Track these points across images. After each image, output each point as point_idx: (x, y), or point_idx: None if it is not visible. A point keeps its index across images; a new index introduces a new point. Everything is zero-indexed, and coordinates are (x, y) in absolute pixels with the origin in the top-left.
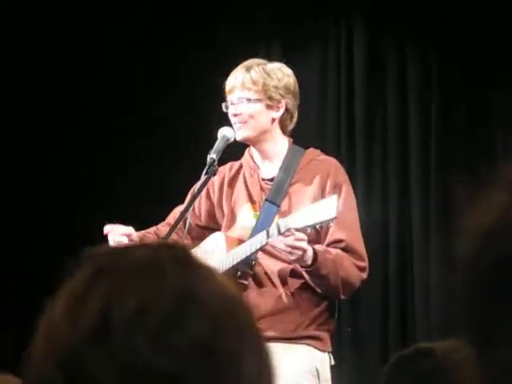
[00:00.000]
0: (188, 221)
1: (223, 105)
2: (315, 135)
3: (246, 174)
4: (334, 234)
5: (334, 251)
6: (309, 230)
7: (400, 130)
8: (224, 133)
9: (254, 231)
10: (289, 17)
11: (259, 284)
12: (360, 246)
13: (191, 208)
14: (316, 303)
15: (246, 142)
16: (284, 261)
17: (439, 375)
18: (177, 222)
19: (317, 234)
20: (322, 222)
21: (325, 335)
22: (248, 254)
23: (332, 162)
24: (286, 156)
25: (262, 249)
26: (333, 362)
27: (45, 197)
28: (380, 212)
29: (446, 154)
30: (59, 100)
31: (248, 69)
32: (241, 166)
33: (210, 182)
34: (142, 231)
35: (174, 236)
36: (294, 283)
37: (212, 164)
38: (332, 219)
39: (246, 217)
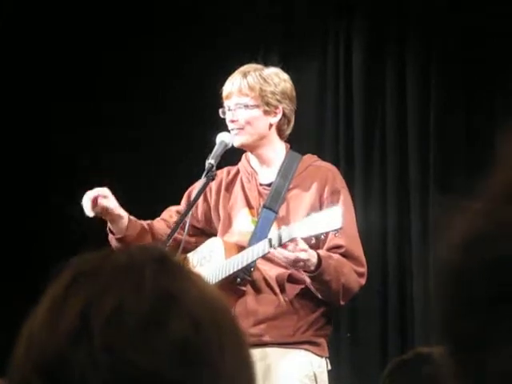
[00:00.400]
0: (187, 224)
1: (220, 110)
2: (314, 141)
3: (243, 178)
4: (333, 239)
5: (336, 257)
6: (313, 240)
7: (399, 137)
8: (222, 138)
9: (253, 238)
10: (288, 21)
11: (257, 289)
12: (359, 251)
13: (190, 212)
14: (313, 309)
15: (243, 148)
16: (282, 266)
17: (438, 380)
18: (176, 226)
19: (316, 239)
20: (326, 233)
21: (322, 340)
22: (248, 261)
23: (329, 167)
24: (283, 162)
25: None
26: (329, 367)
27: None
28: (379, 218)
29: (445, 160)
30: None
31: (245, 74)
32: (238, 171)
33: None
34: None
35: (175, 237)
36: (292, 289)
37: (210, 169)
38: (337, 230)
39: (244, 222)
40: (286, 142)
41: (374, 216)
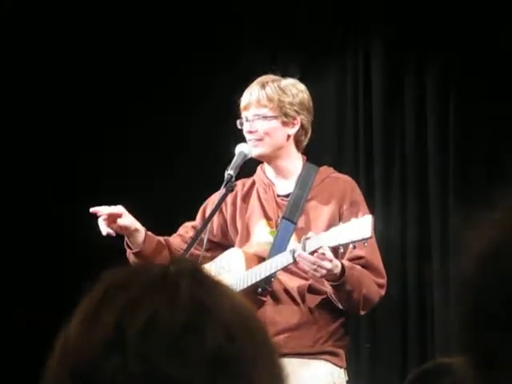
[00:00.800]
0: (205, 238)
1: (238, 121)
2: (333, 154)
3: (259, 190)
4: (354, 250)
5: (358, 268)
6: (341, 249)
7: (418, 150)
8: (241, 149)
9: (273, 249)
10: (307, 39)
11: (277, 300)
12: (379, 263)
13: (209, 225)
14: (333, 319)
15: (261, 159)
16: (302, 277)
17: None
18: (195, 239)
19: (334, 250)
20: (356, 241)
21: (341, 351)
22: (271, 272)
23: (347, 179)
24: (300, 173)
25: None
26: (347, 378)
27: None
28: (399, 230)
29: (465, 176)
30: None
31: (263, 85)
32: (253, 183)
33: None
34: (151, 233)
35: (192, 252)
36: (312, 299)
37: (230, 180)
38: (367, 239)
39: (262, 233)
40: (302, 153)
41: (394, 228)
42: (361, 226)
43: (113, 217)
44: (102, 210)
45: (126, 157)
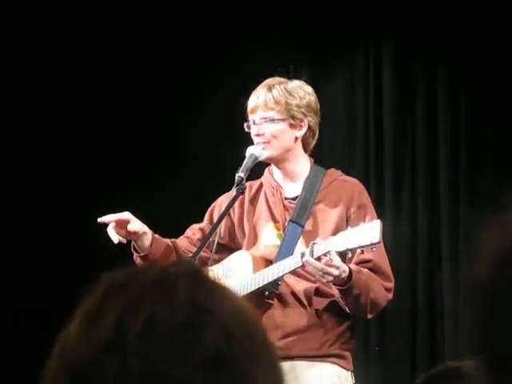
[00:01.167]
0: (216, 241)
1: (245, 125)
2: (344, 158)
3: (267, 192)
4: (361, 253)
5: (365, 271)
6: (349, 254)
7: (429, 154)
8: (252, 151)
9: (280, 252)
10: (317, 40)
11: (285, 303)
12: (387, 266)
13: (219, 227)
14: (340, 322)
15: (269, 162)
16: (309, 280)
17: None
18: (204, 241)
19: (341, 254)
20: (364, 246)
21: (348, 354)
22: (279, 275)
23: (355, 182)
24: (308, 176)
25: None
26: (354, 381)
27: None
28: (409, 233)
29: (475, 177)
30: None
31: (270, 88)
32: (261, 185)
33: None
34: (158, 236)
35: (200, 255)
36: (319, 302)
37: (240, 182)
38: (375, 244)
39: (269, 236)
40: (310, 156)
41: (404, 233)
42: (369, 231)
43: (121, 223)
44: (110, 218)
45: (127, 157)
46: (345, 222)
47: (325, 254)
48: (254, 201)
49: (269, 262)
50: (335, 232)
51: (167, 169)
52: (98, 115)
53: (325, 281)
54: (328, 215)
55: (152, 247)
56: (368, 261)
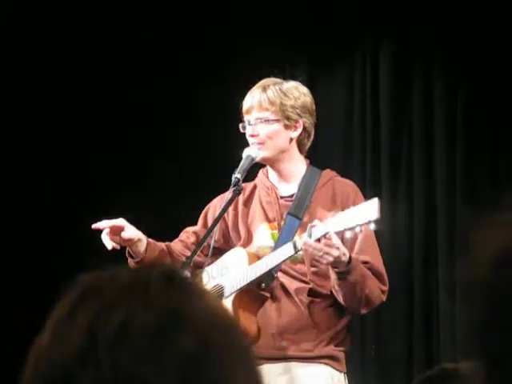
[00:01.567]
0: (211, 244)
1: (240, 125)
2: (340, 157)
3: (261, 193)
4: (359, 255)
5: (364, 267)
6: (348, 234)
7: (426, 152)
8: (249, 153)
9: (278, 244)
10: (315, 39)
11: (278, 304)
12: (383, 270)
13: (214, 229)
14: (334, 324)
15: (264, 163)
16: (302, 280)
17: None
18: (199, 245)
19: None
20: (362, 224)
21: (341, 356)
22: (273, 265)
23: (350, 183)
24: (303, 176)
25: (282, 269)
26: (347, 383)
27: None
28: (405, 231)
29: (472, 174)
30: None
31: (264, 88)
32: (255, 187)
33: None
34: (153, 240)
35: (196, 258)
36: (313, 303)
37: (237, 183)
38: (374, 221)
39: (263, 237)
40: (306, 155)
41: (400, 229)
42: (367, 209)
43: (115, 230)
44: (104, 225)
45: (127, 157)
46: None
47: (324, 236)
48: (247, 203)
49: None
50: None
51: (167, 169)
52: (98, 115)
53: (325, 262)
54: (324, 213)
55: (147, 253)
56: (365, 262)
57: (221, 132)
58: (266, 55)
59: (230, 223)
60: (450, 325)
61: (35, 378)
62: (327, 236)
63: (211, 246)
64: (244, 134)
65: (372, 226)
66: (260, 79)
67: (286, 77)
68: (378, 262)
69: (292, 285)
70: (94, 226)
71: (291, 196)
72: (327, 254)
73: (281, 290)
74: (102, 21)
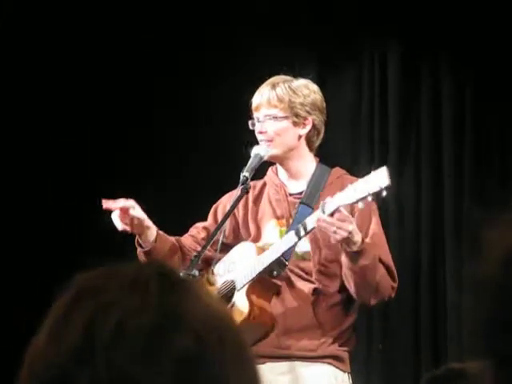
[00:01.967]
0: (220, 240)
1: (249, 122)
2: (348, 156)
3: (270, 191)
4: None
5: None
6: (360, 205)
7: (433, 150)
8: (257, 151)
9: (290, 232)
10: (323, 39)
11: (283, 303)
12: (393, 267)
13: (223, 226)
14: (338, 324)
15: (273, 160)
16: (308, 280)
17: None
18: (209, 241)
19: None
20: (374, 193)
21: (345, 355)
22: (283, 250)
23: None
24: (313, 174)
25: (288, 268)
26: (351, 382)
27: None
28: (412, 228)
29: (481, 171)
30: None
31: (274, 86)
32: (264, 185)
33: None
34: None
35: (207, 252)
36: (318, 303)
37: (245, 182)
38: (386, 188)
39: (271, 234)
40: (315, 155)
41: (408, 227)
42: (377, 178)
43: (125, 211)
44: (115, 205)
45: (127, 157)
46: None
47: (337, 210)
48: (257, 200)
49: None
50: None
51: (168, 168)
52: (99, 115)
53: (339, 238)
54: None
55: (156, 243)
56: None
57: (221, 132)
58: (274, 55)
59: (240, 220)
60: (457, 323)
61: (31, 378)
62: (338, 211)
63: (220, 242)
64: (247, 132)
65: (384, 193)
66: (262, 79)
67: (296, 76)
68: (388, 258)
69: (297, 284)
70: (104, 205)
71: (300, 193)
72: (340, 228)
73: (286, 289)
74: (102, 21)
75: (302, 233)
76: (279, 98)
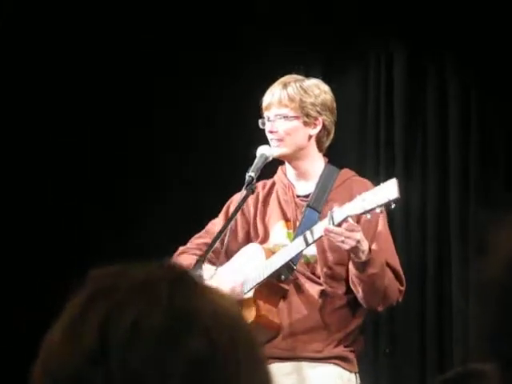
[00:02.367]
0: (226, 239)
1: (260, 121)
2: (354, 156)
3: (279, 191)
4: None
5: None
6: (368, 216)
7: (440, 151)
8: (263, 151)
9: (296, 236)
10: (329, 40)
11: (290, 304)
12: (401, 271)
13: (229, 227)
14: (345, 325)
15: (282, 159)
16: (315, 282)
17: None
18: (214, 241)
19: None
20: (382, 205)
21: (352, 356)
22: (291, 256)
23: (368, 183)
24: (321, 174)
25: (298, 271)
26: (359, 382)
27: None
28: (419, 232)
29: (487, 173)
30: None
31: (285, 85)
32: (273, 184)
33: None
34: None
35: (211, 255)
36: (325, 304)
37: (250, 182)
38: (394, 200)
39: (279, 235)
40: (324, 155)
41: (414, 229)
42: (386, 189)
43: None
44: None
45: (127, 157)
46: (356, 219)
47: (345, 220)
48: (266, 200)
49: None
50: None
51: (168, 169)
52: (99, 115)
53: (347, 247)
54: None
55: None
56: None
57: (221, 132)
58: (279, 56)
59: (250, 219)
60: (463, 327)
61: (45, 376)
62: (346, 222)
63: (225, 241)
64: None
65: (392, 206)
66: (263, 80)
67: (307, 75)
68: (395, 262)
69: (305, 286)
70: None
71: (307, 196)
72: (349, 238)
73: (293, 290)
74: (102, 21)
75: (310, 240)
76: (290, 97)
